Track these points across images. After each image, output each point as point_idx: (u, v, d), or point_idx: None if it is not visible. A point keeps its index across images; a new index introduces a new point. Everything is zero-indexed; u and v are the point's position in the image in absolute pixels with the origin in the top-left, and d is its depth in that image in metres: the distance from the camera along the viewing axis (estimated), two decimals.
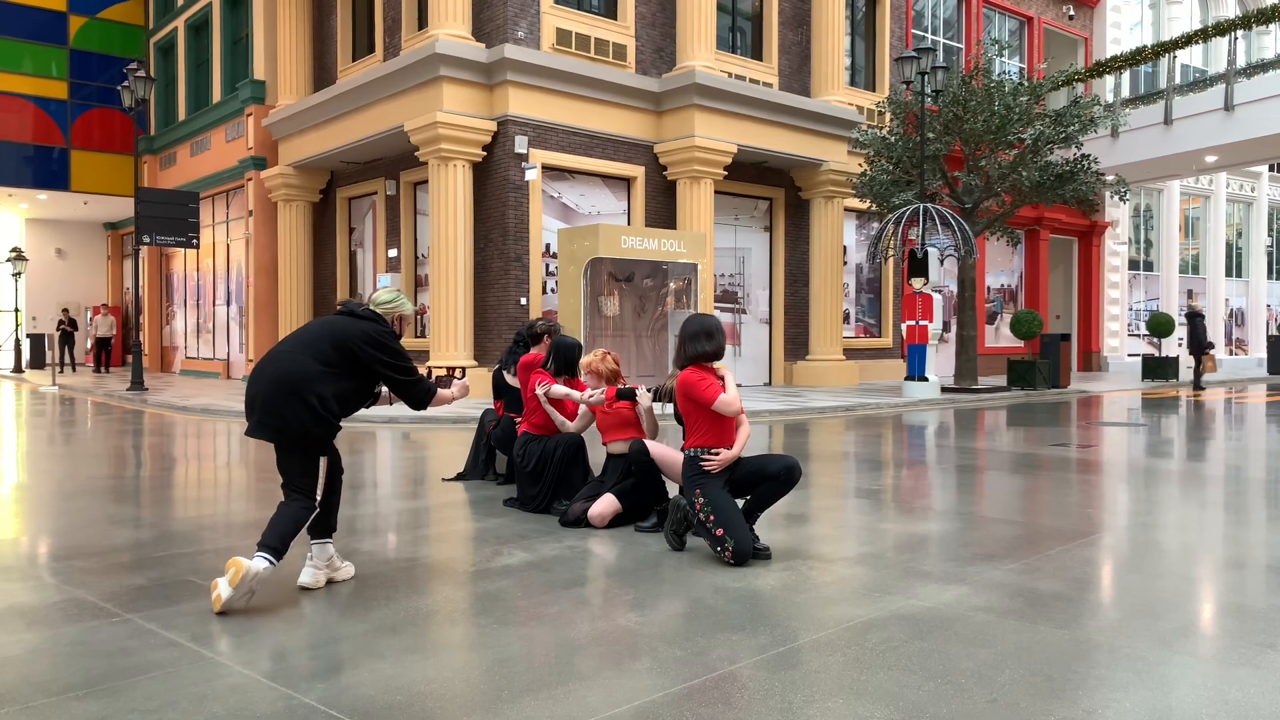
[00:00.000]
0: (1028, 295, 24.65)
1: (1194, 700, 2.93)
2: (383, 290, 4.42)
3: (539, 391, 6.07)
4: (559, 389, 6.03)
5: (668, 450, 5.44)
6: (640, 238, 14.27)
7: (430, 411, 12.34)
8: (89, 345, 25.89)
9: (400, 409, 12.69)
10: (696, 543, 5.03)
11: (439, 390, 4.39)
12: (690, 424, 4.91)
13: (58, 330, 24.44)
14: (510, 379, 7.13)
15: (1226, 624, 3.72)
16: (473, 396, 14.31)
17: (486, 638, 3.55)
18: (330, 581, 4.33)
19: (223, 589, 3.80)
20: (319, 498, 4.19)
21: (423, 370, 4.42)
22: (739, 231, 18.18)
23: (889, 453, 9.36)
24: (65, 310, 25.38)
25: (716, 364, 4.95)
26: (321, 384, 4.04)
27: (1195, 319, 18.94)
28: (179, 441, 10.28)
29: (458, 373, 4.57)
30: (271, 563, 3.93)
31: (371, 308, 4.34)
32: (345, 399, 4.16)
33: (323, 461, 4.18)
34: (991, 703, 2.91)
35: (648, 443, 5.46)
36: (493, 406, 7.80)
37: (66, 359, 23.60)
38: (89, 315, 25.75)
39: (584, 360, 5.99)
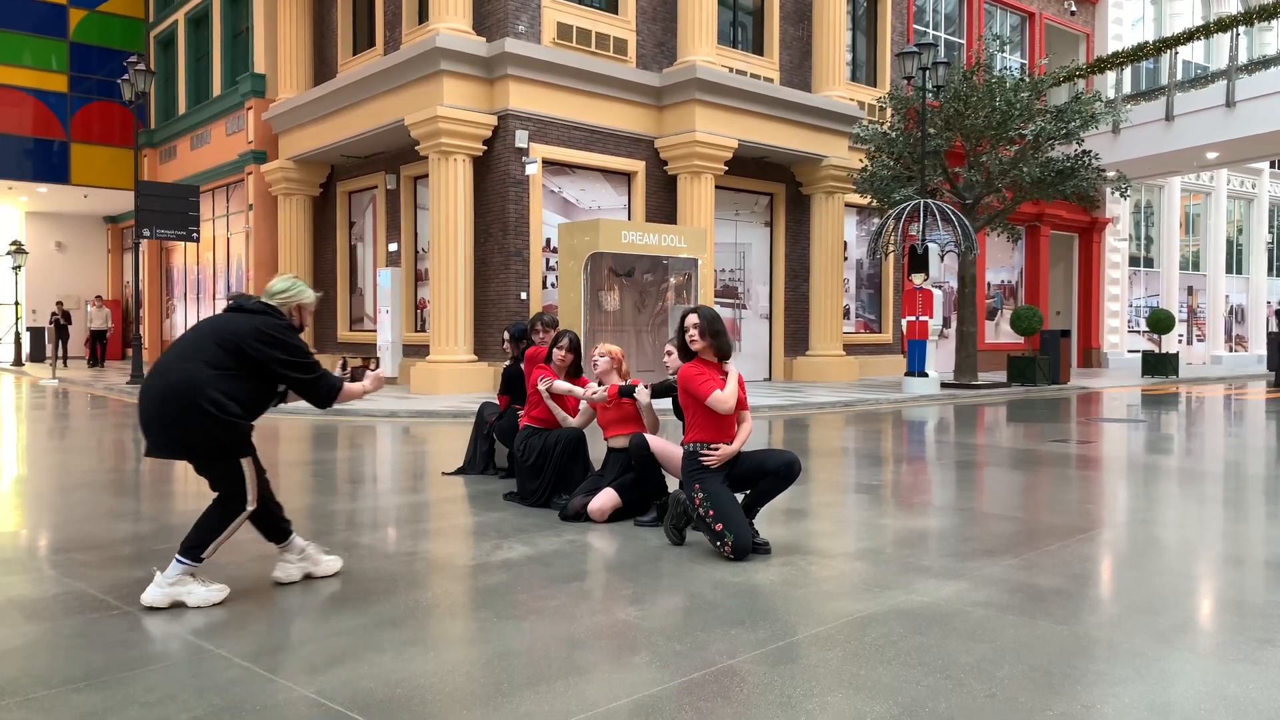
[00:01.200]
0: (1028, 291, 24.64)
1: (1193, 696, 2.93)
2: (278, 279, 4.12)
3: (541, 387, 6.07)
4: (561, 385, 6.03)
5: (668, 445, 5.44)
6: (640, 233, 14.26)
7: (429, 405, 12.33)
8: (86, 338, 25.88)
9: (400, 403, 12.68)
10: (696, 537, 5.03)
11: (347, 385, 4.09)
12: (690, 418, 4.91)
13: (51, 322, 24.42)
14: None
15: (1225, 620, 3.72)
16: (472, 391, 14.31)
17: (486, 632, 3.55)
18: (309, 576, 4.22)
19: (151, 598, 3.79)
20: (252, 498, 3.94)
21: (336, 363, 4.25)
22: (739, 227, 18.17)
23: (889, 448, 9.37)
24: (59, 303, 25.39)
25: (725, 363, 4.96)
26: (215, 387, 3.73)
27: None
28: None
29: (372, 364, 4.31)
30: (173, 570, 3.79)
31: (264, 300, 4.02)
32: (245, 400, 3.85)
33: (245, 463, 3.90)
34: (990, 698, 2.91)
35: (648, 437, 5.46)
36: (489, 400, 7.81)
37: (59, 352, 23.63)
38: (88, 307, 25.75)
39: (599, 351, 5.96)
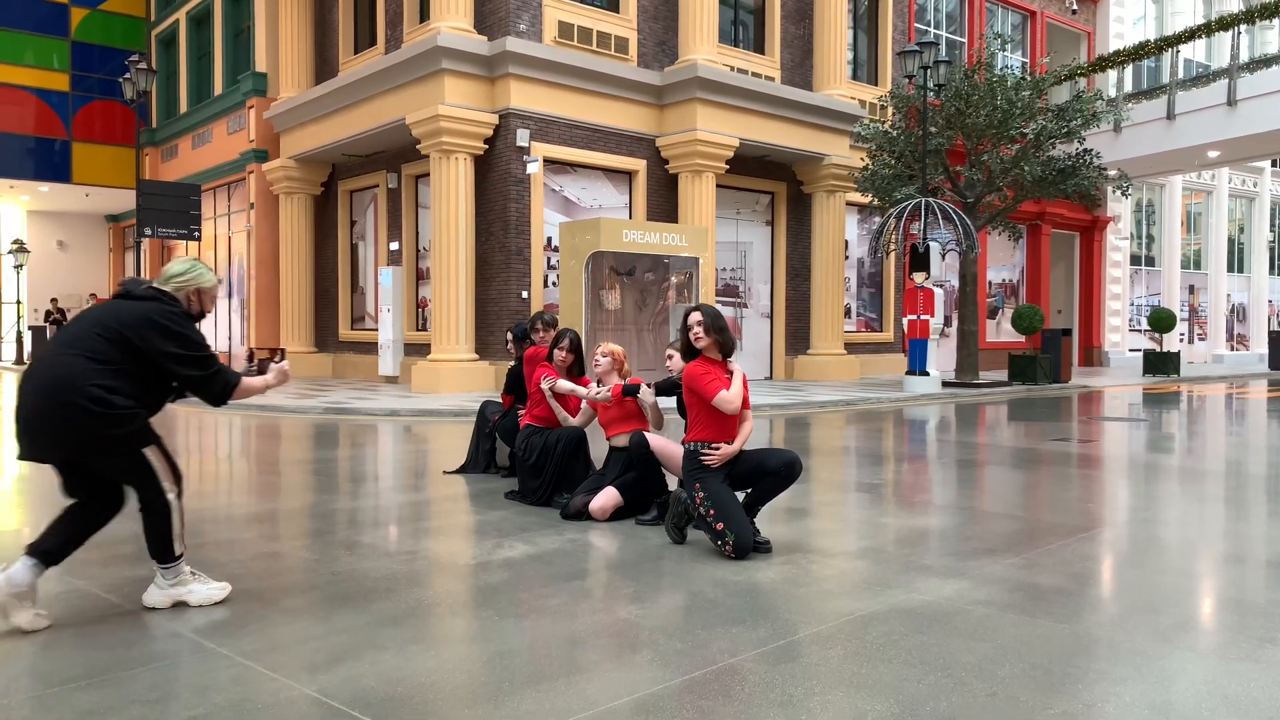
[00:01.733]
0: (1029, 290, 24.63)
1: (1193, 695, 2.93)
2: (176, 261, 3.72)
3: (544, 386, 6.07)
4: (565, 384, 6.02)
5: (668, 444, 5.45)
6: (642, 231, 14.26)
7: (430, 404, 12.32)
8: None
9: (401, 402, 12.68)
10: (697, 536, 5.03)
11: (245, 381, 3.72)
12: (692, 417, 4.91)
13: (47, 321, 24.42)
14: None
15: (1226, 619, 3.72)
16: (473, 389, 14.31)
17: (488, 630, 3.55)
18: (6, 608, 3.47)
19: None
20: (171, 488, 3.63)
21: (242, 355, 3.87)
22: (740, 225, 18.16)
23: (890, 447, 9.37)
24: (54, 300, 25.38)
25: (730, 361, 4.96)
26: (95, 382, 3.38)
27: None
28: (179, 434, 10.29)
29: (277, 357, 4.10)
30: (168, 572, 3.69)
31: (156, 285, 3.64)
32: (134, 394, 3.50)
33: (149, 452, 3.56)
34: (991, 696, 2.91)
35: (648, 435, 5.46)
36: (491, 398, 7.81)
37: None
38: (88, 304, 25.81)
39: (602, 351, 5.94)
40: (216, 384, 3.64)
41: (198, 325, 3.72)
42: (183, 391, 3.69)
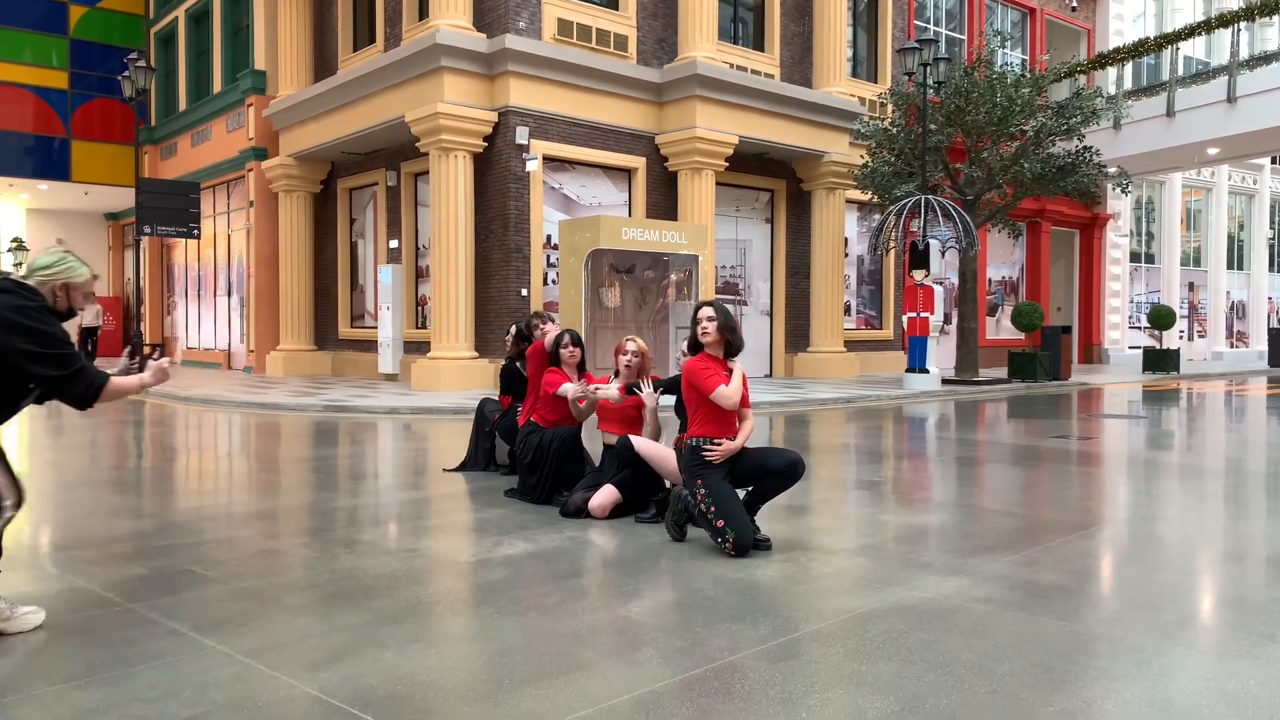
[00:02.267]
0: (1029, 287, 24.63)
1: (1193, 692, 2.94)
2: (44, 252, 3.43)
3: (570, 397, 6.02)
4: (572, 389, 6.00)
5: (658, 447, 5.45)
6: (641, 229, 14.25)
7: (430, 402, 12.31)
8: (78, 335, 25.88)
9: (401, 399, 12.68)
10: (697, 534, 5.03)
11: (115, 380, 3.42)
12: (692, 412, 4.91)
13: None
14: (525, 371, 7.11)
15: (1226, 616, 3.73)
16: (473, 387, 14.31)
17: (488, 628, 3.55)
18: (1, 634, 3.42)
19: None
20: (10, 509, 3.36)
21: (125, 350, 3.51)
22: (740, 223, 18.16)
23: (889, 445, 9.37)
24: None
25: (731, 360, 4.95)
26: None
27: None
28: (180, 432, 10.29)
29: (155, 354, 3.68)
30: None
31: (15, 277, 3.34)
32: None
33: None
34: (992, 694, 2.91)
35: (634, 439, 5.45)
36: (490, 396, 7.81)
37: None
38: None
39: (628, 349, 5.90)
40: (79, 384, 3.30)
41: (69, 322, 3.50)
42: (43, 395, 3.41)
